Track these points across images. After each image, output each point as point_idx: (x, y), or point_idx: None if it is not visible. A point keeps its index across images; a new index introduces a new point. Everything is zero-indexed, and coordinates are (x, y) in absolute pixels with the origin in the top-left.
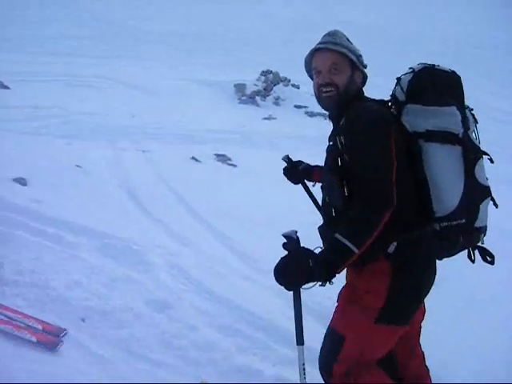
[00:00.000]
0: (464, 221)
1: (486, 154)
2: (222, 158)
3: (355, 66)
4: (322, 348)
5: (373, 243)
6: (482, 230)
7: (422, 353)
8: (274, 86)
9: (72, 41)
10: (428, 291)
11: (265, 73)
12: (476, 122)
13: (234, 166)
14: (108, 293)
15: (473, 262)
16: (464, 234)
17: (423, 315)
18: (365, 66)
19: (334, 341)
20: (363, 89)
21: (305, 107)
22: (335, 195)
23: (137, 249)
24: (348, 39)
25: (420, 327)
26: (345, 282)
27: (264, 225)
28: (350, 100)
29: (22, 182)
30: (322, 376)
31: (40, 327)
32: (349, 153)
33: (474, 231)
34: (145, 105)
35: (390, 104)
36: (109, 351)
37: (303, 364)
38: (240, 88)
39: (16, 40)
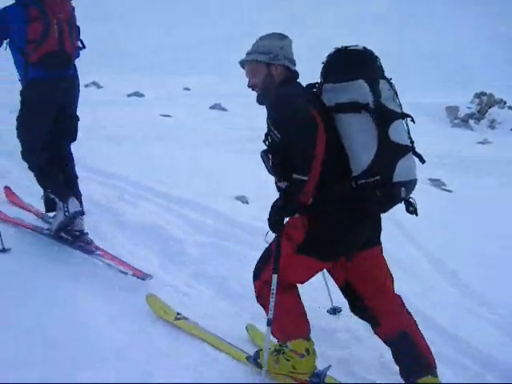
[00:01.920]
0: (379, 177)
1: (408, 116)
2: (436, 183)
3: (271, 64)
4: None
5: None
6: (403, 184)
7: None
8: (489, 108)
9: None
10: (353, 239)
11: (478, 95)
12: (394, 90)
13: (449, 191)
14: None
15: (410, 213)
16: (381, 188)
17: (383, 264)
18: (283, 59)
19: (264, 257)
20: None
21: None
22: (267, 166)
23: None
24: (269, 40)
25: (385, 273)
26: None
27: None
28: (274, 90)
29: (243, 200)
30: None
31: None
32: (278, 133)
33: (392, 186)
34: None
35: (317, 86)
36: (330, 370)
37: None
38: (452, 111)
39: (233, 63)
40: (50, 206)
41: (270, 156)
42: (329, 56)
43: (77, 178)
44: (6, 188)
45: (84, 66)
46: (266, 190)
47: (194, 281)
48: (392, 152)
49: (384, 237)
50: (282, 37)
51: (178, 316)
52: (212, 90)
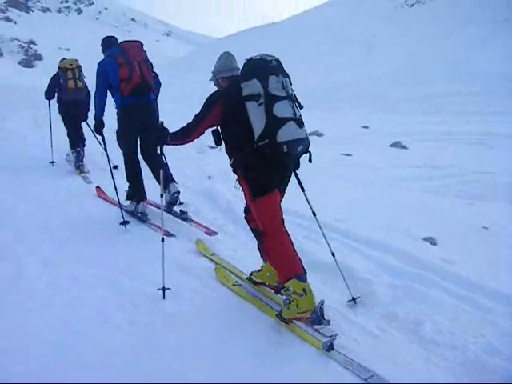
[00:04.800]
0: (267, 140)
1: (293, 98)
2: None
3: (217, 79)
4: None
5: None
6: (285, 143)
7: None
8: None
9: (457, 97)
10: (275, 180)
11: None
12: (281, 81)
13: None
14: None
15: (310, 162)
16: (269, 147)
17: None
18: (220, 73)
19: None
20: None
21: None
22: None
23: None
24: (215, 64)
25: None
26: None
27: None
28: None
29: (431, 241)
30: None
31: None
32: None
33: (277, 145)
34: None
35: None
36: None
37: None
38: None
39: (406, 100)
40: (128, 196)
41: None
42: (243, 65)
43: (166, 164)
44: (97, 188)
45: None
46: (454, 231)
47: (385, 323)
48: (274, 123)
49: None
50: (220, 57)
51: (212, 253)
52: (391, 128)
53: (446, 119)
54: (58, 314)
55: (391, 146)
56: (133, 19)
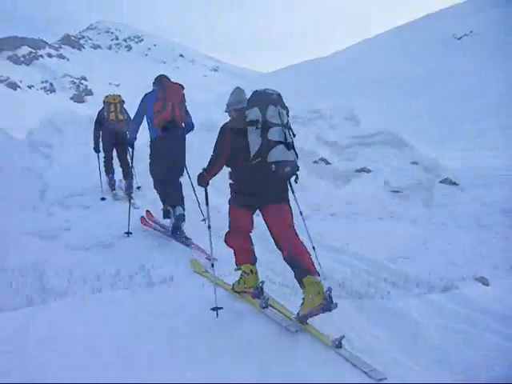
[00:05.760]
0: (260, 159)
1: (287, 125)
2: None
3: (229, 111)
4: None
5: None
6: (274, 163)
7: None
8: None
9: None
10: (253, 195)
11: None
12: (278, 111)
13: None
14: None
15: (296, 183)
16: (262, 165)
17: (286, 215)
18: (232, 106)
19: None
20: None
21: None
22: None
23: None
24: (232, 94)
25: (287, 220)
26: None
27: None
28: None
29: (484, 281)
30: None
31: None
32: None
33: (270, 164)
34: None
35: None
36: None
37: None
38: None
39: (459, 135)
40: (166, 214)
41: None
42: (250, 95)
43: (180, 184)
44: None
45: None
46: (507, 271)
47: (436, 366)
48: (267, 145)
49: None
50: (232, 92)
51: (205, 270)
52: (442, 164)
53: (503, 154)
54: (108, 353)
55: (441, 182)
56: (181, 55)
